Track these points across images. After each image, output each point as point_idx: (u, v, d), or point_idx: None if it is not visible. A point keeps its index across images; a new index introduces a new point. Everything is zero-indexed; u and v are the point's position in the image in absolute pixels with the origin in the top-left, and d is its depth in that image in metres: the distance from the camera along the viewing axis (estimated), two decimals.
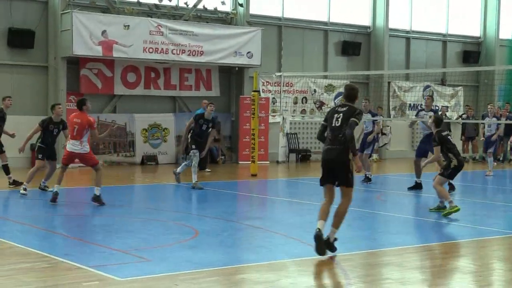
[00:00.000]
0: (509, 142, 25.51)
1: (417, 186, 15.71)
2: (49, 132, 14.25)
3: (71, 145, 12.71)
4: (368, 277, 7.93)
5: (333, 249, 8.70)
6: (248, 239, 10.27)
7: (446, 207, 12.26)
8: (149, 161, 21.93)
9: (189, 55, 21.64)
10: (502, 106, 26.65)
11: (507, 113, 25.68)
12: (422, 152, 15.65)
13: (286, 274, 7.95)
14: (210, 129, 15.76)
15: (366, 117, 17.10)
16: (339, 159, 8.73)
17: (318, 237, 8.54)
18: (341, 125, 8.73)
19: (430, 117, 14.56)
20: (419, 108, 20.26)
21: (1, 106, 15.64)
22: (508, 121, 23.78)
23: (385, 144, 25.67)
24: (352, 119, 8.71)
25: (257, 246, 9.54)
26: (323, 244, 8.56)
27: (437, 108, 24.26)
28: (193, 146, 15.65)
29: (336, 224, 8.81)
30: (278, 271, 8.07)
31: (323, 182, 8.99)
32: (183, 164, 16.28)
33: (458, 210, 11.96)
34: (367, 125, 17.43)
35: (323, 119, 9.19)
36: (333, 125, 8.83)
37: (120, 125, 21.34)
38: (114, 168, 20.74)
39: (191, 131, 15.81)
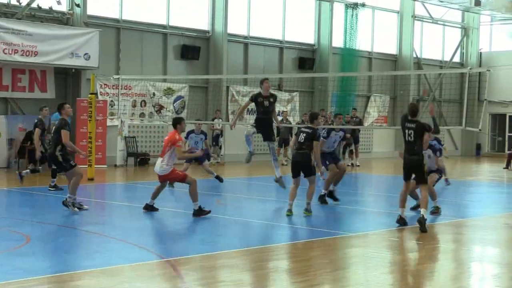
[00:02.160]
0: (343, 146, 26.70)
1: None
2: None
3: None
4: (203, 280, 7.99)
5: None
6: (84, 244, 10.05)
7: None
8: None
9: (22, 55, 20.82)
10: (334, 111, 27.76)
11: (350, 118, 26.80)
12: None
13: (123, 279, 7.86)
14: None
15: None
16: (418, 163, 11.57)
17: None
18: (415, 140, 11.40)
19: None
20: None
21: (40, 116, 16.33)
22: (348, 127, 24.81)
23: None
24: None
25: (93, 252, 9.36)
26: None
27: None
28: (255, 130, 15.23)
29: (425, 206, 11.51)
30: (114, 276, 7.97)
31: (405, 178, 11.78)
32: (273, 161, 15.35)
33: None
34: None
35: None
36: (407, 139, 11.50)
37: None
38: None
39: (256, 113, 15.38)
